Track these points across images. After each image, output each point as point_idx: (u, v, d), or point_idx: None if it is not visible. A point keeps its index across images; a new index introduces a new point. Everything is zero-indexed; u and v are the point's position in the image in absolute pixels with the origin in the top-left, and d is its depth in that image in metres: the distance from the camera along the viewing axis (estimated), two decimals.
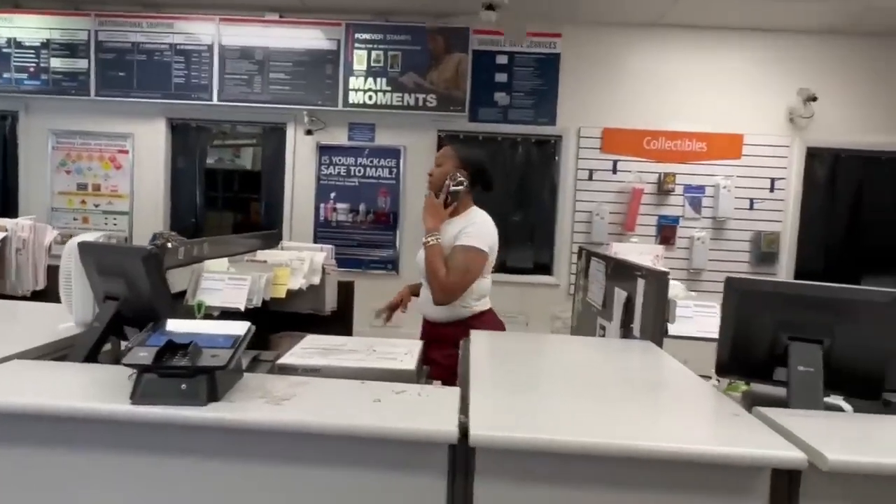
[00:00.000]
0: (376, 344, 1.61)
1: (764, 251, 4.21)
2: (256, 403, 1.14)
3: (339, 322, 3.24)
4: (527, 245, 4.42)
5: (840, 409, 1.47)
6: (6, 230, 3.11)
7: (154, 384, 1.11)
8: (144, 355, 1.13)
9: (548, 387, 1.37)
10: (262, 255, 2.79)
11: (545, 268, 4.39)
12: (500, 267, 4.40)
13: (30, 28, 4.33)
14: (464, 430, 1.06)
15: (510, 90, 4.28)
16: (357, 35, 4.17)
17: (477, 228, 2.25)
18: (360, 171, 4.34)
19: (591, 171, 4.28)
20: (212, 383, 1.12)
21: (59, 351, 1.49)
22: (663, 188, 4.22)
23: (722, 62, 4.24)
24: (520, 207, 4.41)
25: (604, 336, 2.56)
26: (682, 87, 4.26)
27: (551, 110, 4.29)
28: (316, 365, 1.41)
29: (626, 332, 2.24)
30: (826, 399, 1.53)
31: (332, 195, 4.36)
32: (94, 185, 4.48)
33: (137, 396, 1.11)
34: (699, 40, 4.23)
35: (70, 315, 1.64)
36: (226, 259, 2.30)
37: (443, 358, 1.97)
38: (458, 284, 2.14)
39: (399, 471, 1.11)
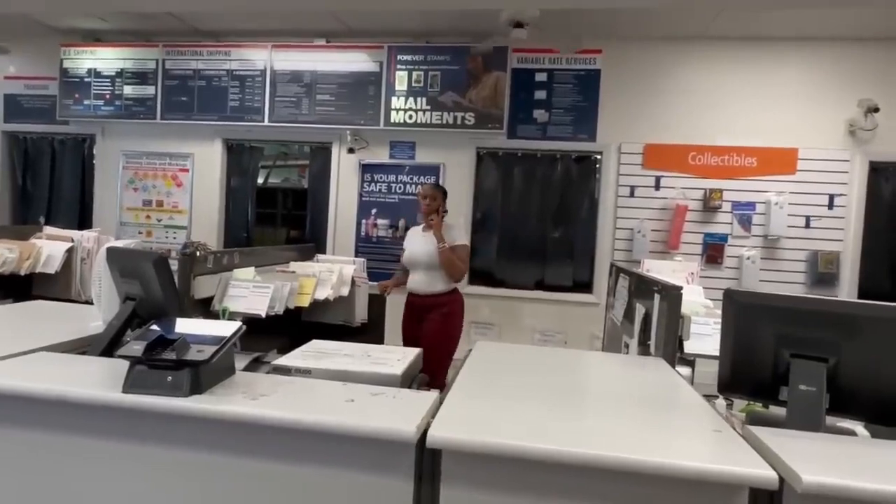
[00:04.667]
0: (372, 350, 1.65)
1: (822, 272, 3.95)
2: (236, 398, 1.20)
3: (371, 333, 3.32)
4: (566, 263, 4.35)
5: (853, 434, 1.38)
6: (72, 241, 3.41)
7: (143, 375, 1.20)
8: (137, 348, 1.22)
9: (529, 398, 1.36)
10: (294, 266, 2.92)
11: (585, 286, 4.31)
12: (539, 285, 4.38)
13: (108, 59, 4.76)
14: (425, 431, 1.08)
15: (549, 107, 4.28)
16: (399, 56, 4.30)
17: (461, 232, 3.53)
18: (400, 188, 4.45)
19: (632, 188, 4.19)
20: (195, 376, 1.20)
21: (82, 346, 1.62)
22: (709, 205, 4.06)
23: (771, 74, 4.06)
24: (559, 224, 4.37)
25: (627, 353, 2.50)
26: (729, 101, 4.11)
27: (591, 126, 4.24)
28: (307, 367, 1.47)
29: (643, 349, 2.18)
30: (841, 424, 1.43)
31: (374, 211, 4.48)
32: (157, 202, 4.82)
33: (128, 386, 1.20)
34: (745, 52, 4.07)
35: (100, 314, 1.78)
36: (252, 268, 2.42)
37: (449, 314, 3.41)
38: (465, 268, 3.49)
39: (367, 470, 1.13)
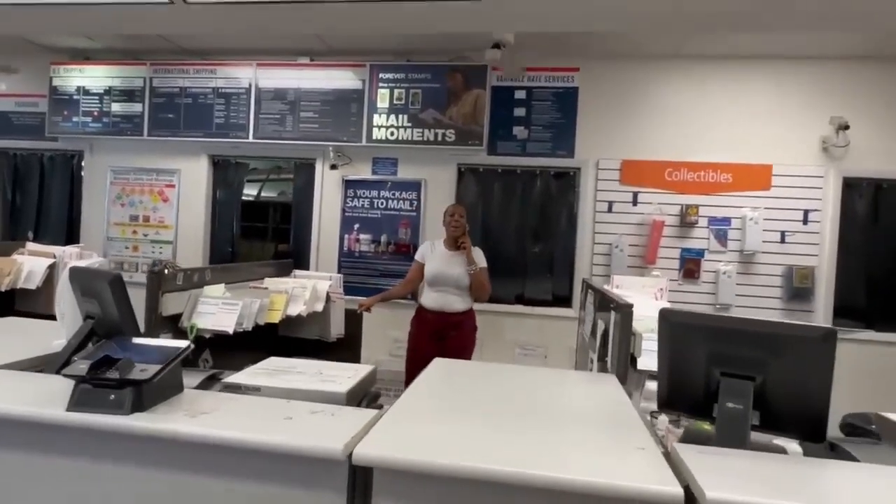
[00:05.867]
0: (326, 367, 1.69)
1: (797, 286, 3.99)
2: (177, 416, 1.24)
3: (348, 348, 3.36)
4: (546, 277, 4.40)
5: (783, 452, 1.41)
6: (55, 257, 3.46)
7: (87, 394, 1.24)
8: (82, 367, 1.26)
9: (468, 415, 1.40)
10: (268, 282, 2.96)
11: (565, 300, 4.35)
12: (520, 299, 4.42)
13: (96, 77, 4.84)
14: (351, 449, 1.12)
15: (529, 124, 4.35)
16: (381, 75, 4.38)
17: (480, 253, 3.61)
18: (382, 204, 4.51)
19: (610, 203, 4.25)
20: (137, 395, 1.24)
21: (41, 364, 1.66)
22: (686, 220, 4.11)
23: (745, 91, 4.14)
24: (539, 239, 4.42)
25: (591, 368, 2.53)
26: (705, 118, 4.18)
27: (570, 143, 4.31)
28: (257, 384, 1.51)
29: (602, 364, 2.22)
30: (776, 441, 1.47)
31: (356, 226, 4.54)
32: (144, 217, 4.88)
33: (72, 404, 1.24)
34: (720, 70, 4.15)
35: (64, 332, 1.82)
36: (222, 285, 2.46)
37: (468, 331, 3.57)
38: (490, 289, 3.62)
39: (301, 487, 1.17)
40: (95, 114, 4.84)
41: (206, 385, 1.60)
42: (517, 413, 1.44)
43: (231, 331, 2.28)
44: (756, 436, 1.35)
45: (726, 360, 1.36)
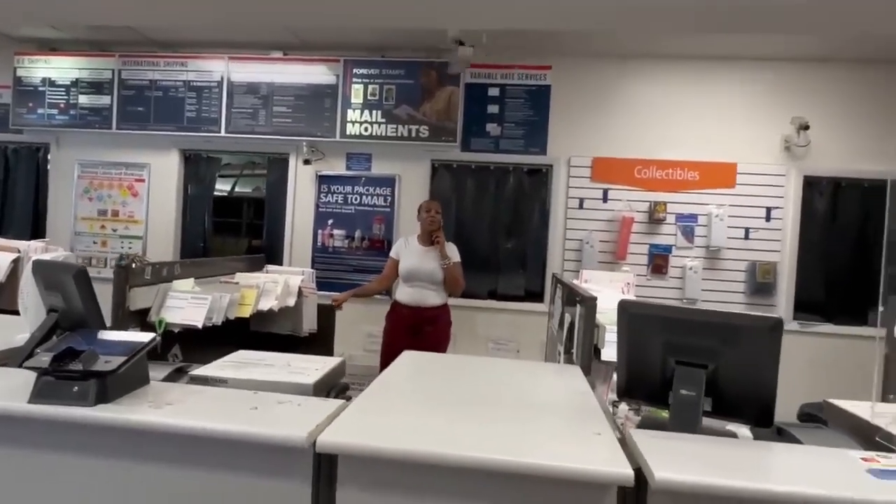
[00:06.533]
0: (295, 360, 1.70)
1: (760, 281, 4.12)
2: (141, 407, 1.25)
3: (320, 343, 3.37)
4: (518, 273, 4.46)
5: (734, 436, 1.48)
6: (19, 251, 3.39)
7: (50, 386, 1.24)
8: (44, 360, 1.26)
9: (434, 405, 1.43)
10: (239, 277, 2.96)
11: (537, 295, 4.41)
12: (492, 294, 4.47)
13: (62, 68, 4.73)
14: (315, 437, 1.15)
15: (502, 121, 4.39)
16: (355, 70, 4.38)
17: (454, 248, 3.66)
18: (356, 199, 4.51)
19: (581, 200, 4.32)
20: (101, 386, 1.24)
21: (4, 358, 1.64)
22: (654, 217, 4.21)
23: (713, 91, 4.25)
24: (512, 235, 4.48)
25: (559, 361, 2.59)
26: (673, 117, 4.28)
27: (542, 140, 4.37)
28: (224, 377, 1.52)
29: (568, 357, 2.28)
30: (728, 427, 1.54)
31: (330, 222, 4.53)
32: (112, 211, 4.79)
33: (34, 396, 1.24)
34: (687, 70, 4.25)
35: (28, 326, 1.80)
36: (192, 279, 2.45)
37: (443, 325, 3.61)
38: (464, 284, 3.68)
39: (267, 476, 1.19)
40: (62, 106, 4.73)
41: (172, 378, 1.60)
42: (483, 402, 1.48)
43: (200, 325, 2.27)
44: (709, 422, 1.41)
45: (681, 350, 1.42)
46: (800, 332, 4.17)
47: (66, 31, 4.55)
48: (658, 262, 4.23)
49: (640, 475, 1.09)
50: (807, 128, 4.06)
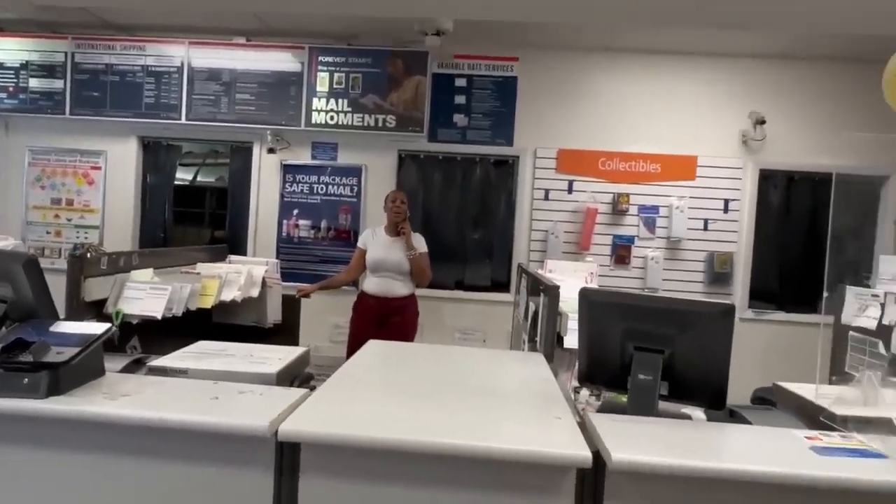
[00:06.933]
0: (257, 350, 1.68)
1: (717, 271, 4.25)
2: (96, 398, 1.22)
3: (285, 334, 3.33)
4: (485, 263, 4.49)
5: (689, 419, 1.53)
6: None
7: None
8: None
9: (398, 392, 1.44)
10: (200, 267, 2.89)
11: (503, 285, 4.45)
12: (459, 285, 4.50)
13: (11, 50, 4.52)
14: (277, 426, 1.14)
15: (469, 112, 4.40)
16: (320, 58, 4.31)
17: (421, 239, 3.66)
18: (322, 189, 4.46)
19: (547, 191, 4.37)
20: (54, 378, 1.21)
21: None
22: (618, 208, 4.29)
23: (674, 86, 4.34)
24: (478, 226, 4.50)
25: (524, 349, 2.63)
26: (636, 110, 4.36)
27: (509, 131, 4.39)
28: (184, 367, 1.49)
29: (532, 345, 2.31)
30: (684, 410, 1.59)
31: (295, 212, 4.47)
32: (67, 200, 4.62)
33: None
34: (651, 64, 4.33)
35: None
36: (150, 270, 2.39)
37: (410, 316, 3.63)
38: (431, 274, 3.69)
39: (228, 465, 1.18)
40: (11, 89, 4.53)
41: (130, 369, 1.57)
42: (446, 390, 1.49)
43: (160, 316, 2.22)
44: (666, 405, 1.46)
45: (639, 336, 1.46)
46: (754, 320, 4.32)
47: (15, 11, 4.34)
48: (621, 252, 4.32)
49: (599, 457, 1.12)
50: (763, 122, 4.19)
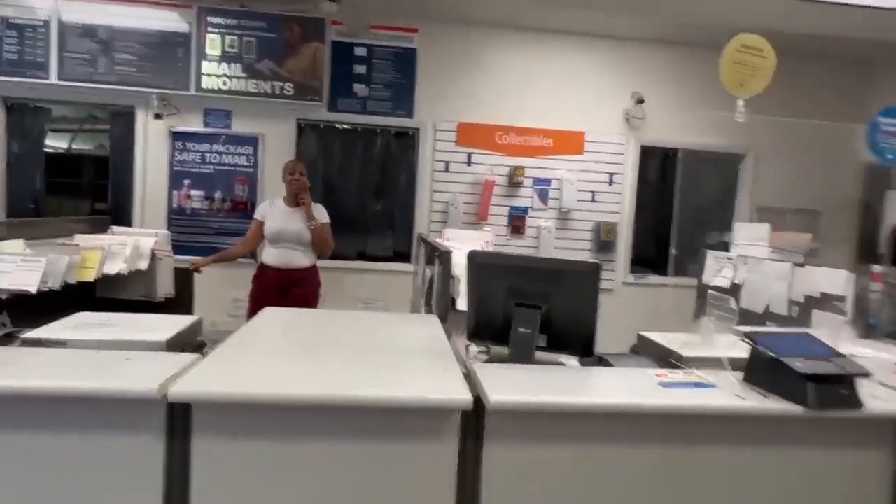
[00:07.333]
0: (145, 319, 1.65)
1: (603, 240, 4.60)
2: None
3: (179, 309, 3.20)
4: (387, 234, 4.55)
5: (563, 366, 1.70)
6: None
7: None
8: None
9: (293, 354, 1.48)
10: (79, 238, 2.72)
11: (404, 256, 4.54)
12: (361, 255, 4.52)
13: None
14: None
15: (369, 82, 4.38)
16: (210, 19, 4.09)
17: (322, 209, 3.61)
18: (216, 158, 4.28)
19: (447, 163, 4.48)
20: None
21: None
22: (514, 180, 4.49)
23: (566, 64, 4.58)
24: (380, 197, 4.54)
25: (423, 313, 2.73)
26: (531, 86, 4.55)
27: (409, 103, 4.43)
28: (63, 338, 1.44)
29: (428, 308, 2.42)
30: (560, 359, 1.76)
31: (187, 182, 4.26)
32: None
33: None
34: (545, 42, 4.53)
35: None
36: (21, 241, 2.22)
37: (311, 287, 3.57)
38: (333, 245, 3.64)
39: (117, 433, 1.17)
40: None
41: (5, 342, 1.48)
42: (340, 349, 1.55)
43: (34, 290, 2.07)
44: (545, 356, 1.61)
45: (520, 293, 1.59)
46: (635, 284, 4.74)
47: None
48: (516, 222, 4.54)
49: (480, 401, 1.24)
50: (642, 102, 4.53)
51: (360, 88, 4.37)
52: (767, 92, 4.48)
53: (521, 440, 1.24)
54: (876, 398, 1.34)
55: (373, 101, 4.39)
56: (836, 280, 2.28)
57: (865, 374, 1.31)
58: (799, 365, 1.28)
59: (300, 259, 3.52)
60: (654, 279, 4.78)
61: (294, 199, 3.51)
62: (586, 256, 4.64)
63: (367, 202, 4.51)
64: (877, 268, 2.13)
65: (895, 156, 3.50)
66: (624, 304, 4.51)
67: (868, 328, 2.02)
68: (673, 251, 4.83)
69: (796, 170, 4.65)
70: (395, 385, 1.25)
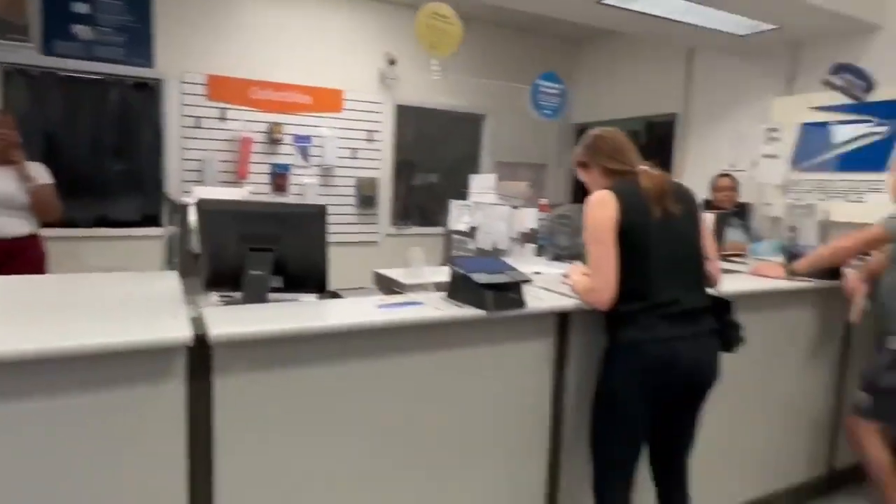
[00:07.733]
0: None
1: (364, 195, 4.84)
2: None
3: None
4: (133, 196, 4.15)
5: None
6: None
7: None
8: None
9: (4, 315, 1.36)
10: None
11: (154, 219, 4.20)
12: (102, 222, 4.07)
13: None
14: None
15: (94, 23, 3.85)
16: None
17: (47, 172, 3.14)
18: None
19: (197, 119, 4.22)
20: None
21: None
22: (273, 137, 4.43)
23: (323, 21, 4.60)
24: (121, 156, 4.09)
25: None
26: (287, 41, 4.48)
27: (146, 50, 4.03)
28: None
29: (171, 266, 2.35)
30: (301, 299, 1.89)
31: None
32: None
33: None
34: None
35: None
36: None
37: (33, 258, 3.11)
38: (60, 208, 3.18)
39: None
40: None
41: None
42: (66, 310, 1.47)
43: None
44: (283, 297, 1.71)
45: (252, 238, 1.66)
46: (398, 235, 5.10)
47: None
48: (279, 180, 4.52)
49: (205, 339, 1.30)
50: (394, 63, 4.80)
51: (81, 30, 3.82)
52: (501, 59, 5.14)
53: (251, 371, 1.34)
54: (540, 300, 1.74)
55: (101, 46, 3.89)
56: (533, 218, 2.82)
57: (528, 281, 1.70)
58: (479, 277, 1.60)
59: (15, 226, 3.04)
60: (415, 229, 5.21)
61: (2, 157, 3.00)
62: (350, 211, 4.85)
63: (104, 161, 4.04)
64: (543, 200, 2.68)
65: (552, 112, 4.32)
66: (387, 253, 4.84)
67: (540, 249, 2.55)
68: (427, 204, 5.30)
69: (525, 128, 5.42)
70: (117, 334, 1.25)
